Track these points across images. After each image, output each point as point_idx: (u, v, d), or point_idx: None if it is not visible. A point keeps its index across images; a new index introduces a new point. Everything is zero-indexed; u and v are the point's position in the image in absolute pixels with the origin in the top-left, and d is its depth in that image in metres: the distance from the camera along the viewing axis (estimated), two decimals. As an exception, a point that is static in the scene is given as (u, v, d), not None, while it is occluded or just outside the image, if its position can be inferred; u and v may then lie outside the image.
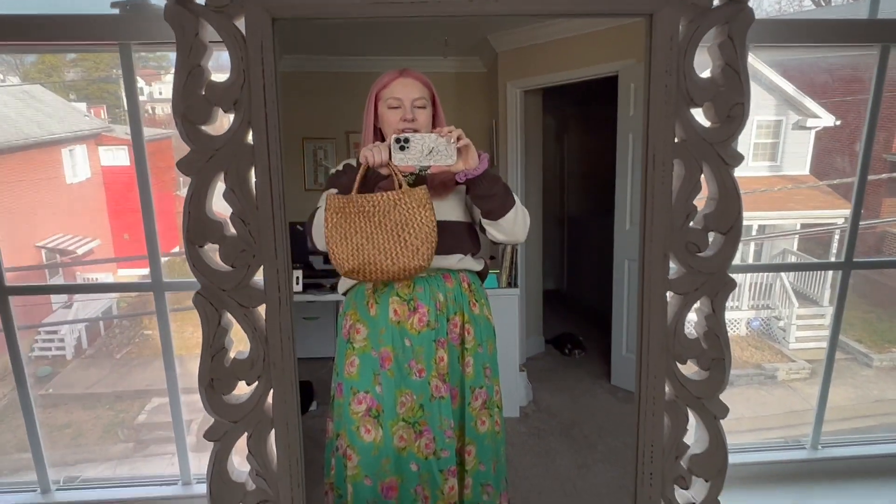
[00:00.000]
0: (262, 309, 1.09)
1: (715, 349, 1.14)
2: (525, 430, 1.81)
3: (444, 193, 1.26)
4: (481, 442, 1.32)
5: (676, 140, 1.08)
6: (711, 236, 1.13)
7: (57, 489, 1.51)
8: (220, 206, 1.09)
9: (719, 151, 1.08)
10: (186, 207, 1.04)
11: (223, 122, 1.07)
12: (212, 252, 1.09)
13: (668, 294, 1.13)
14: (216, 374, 1.09)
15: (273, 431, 1.12)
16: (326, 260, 1.18)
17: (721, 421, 1.18)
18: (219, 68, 1.06)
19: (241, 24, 1.01)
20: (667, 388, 1.16)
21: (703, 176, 1.10)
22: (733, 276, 1.14)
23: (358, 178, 1.16)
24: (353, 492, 1.26)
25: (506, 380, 1.72)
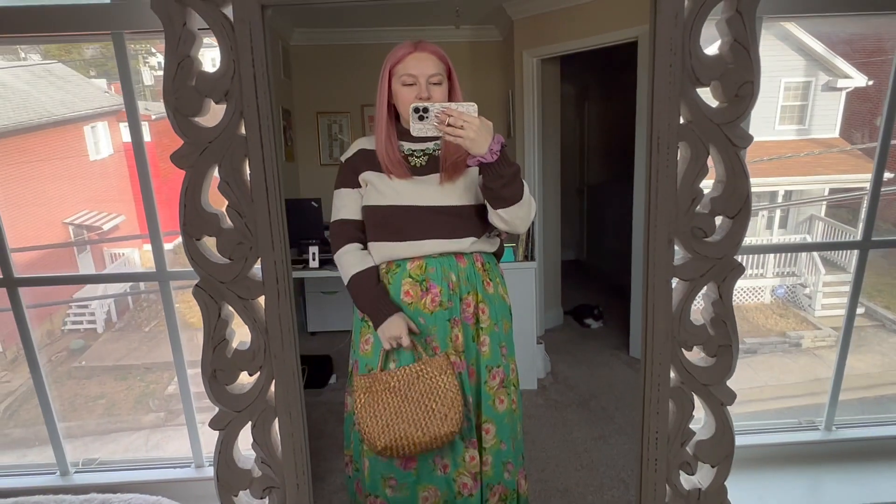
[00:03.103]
0: (262, 300, 1.10)
1: (722, 336, 1.12)
2: (542, 402, 1.84)
3: (455, 177, 1.24)
4: (500, 421, 1.33)
5: (682, 121, 1.04)
6: (719, 220, 1.09)
7: (75, 472, 1.57)
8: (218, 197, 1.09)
9: (727, 133, 1.04)
10: (182, 200, 1.03)
11: (216, 112, 1.05)
12: (210, 244, 1.09)
13: (674, 280, 1.11)
14: (218, 364, 1.10)
15: (276, 420, 1.13)
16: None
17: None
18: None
19: (229, 11, 0.99)
20: (672, 375, 1.14)
21: (709, 158, 1.06)
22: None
23: (380, 362, 1.25)
24: (368, 465, 1.29)
25: (523, 352, 1.72)
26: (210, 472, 1.55)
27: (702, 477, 1.20)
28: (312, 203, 1.52)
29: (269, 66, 1.01)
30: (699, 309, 1.16)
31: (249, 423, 1.14)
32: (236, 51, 0.99)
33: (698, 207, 1.07)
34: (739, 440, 1.60)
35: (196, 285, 1.07)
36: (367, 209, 1.27)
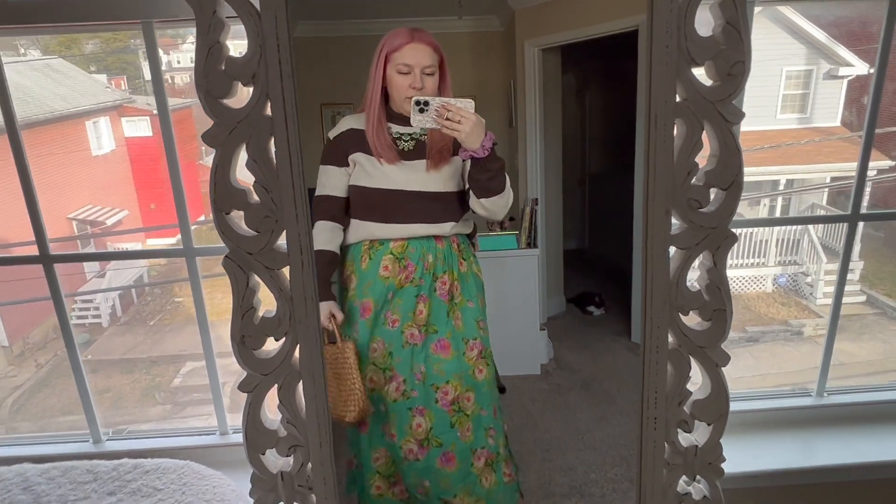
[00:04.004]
0: (286, 270, 1.17)
1: (716, 301, 1.19)
2: (546, 386, 1.88)
3: (441, 164, 1.35)
4: (480, 389, 1.44)
5: (678, 99, 1.11)
6: (713, 192, 1.17)
7: (107, 439, 1.65)
8: (244, 174, 1.17)
9: (720, 109, 1.11)
10: (212, 177, 1.11)
11: (243, 94, 1.13)
12: (237, 219, 1.16)
13: (671, 249, 1.18)
14: (247, 331, 1.18)
15: (301, 383, 1.21)
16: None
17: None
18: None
19: (255, 1, 1.06)
20: (670, 338, 1.22)
21: (704, 134, 1.13)
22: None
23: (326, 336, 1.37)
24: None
25: (526, 339, 1.78)
26: (234, 438, 1.64)
27: (698, 435, 1.28)
28: (317, 192, 1.57)
29: (292, 52, 1.08)
30: (695, 276, 1.23)
31: (276, 385, 1.21)
32: (262, 37, 1.06)
33: (693, 180, 1.15)
34: (735, 406, 1.68)
35: (226, 256, 1.15)
36: (354, 189, 1.36)
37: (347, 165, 1.36)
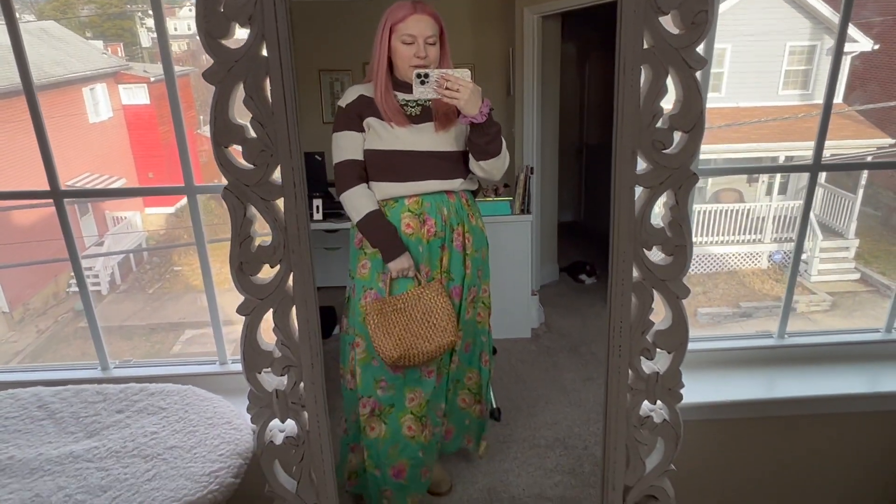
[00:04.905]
0: (280, 203, 1.27)
1: (678, 237, 1.29)
2: (535, 348, 1.95)
3: (447, 126, 1.44)
4: (464, 327, 1.56)
5: (645, 46, 1.20)
6: (677, 136, 1.25)
7: (114, 367, 1.77)
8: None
9: (684, 56, 1.19)
10: (212, 113, 1.20)
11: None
12: (236, 154, 1.25)
13: (637, 188, 1.28)
14: (244, 258, 1.27)
15: (294, 308, 1.31)
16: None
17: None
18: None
19: (252, -55, 1.14)
20: (635, 272, 1.32)
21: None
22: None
23: (387, 288, 1.46)
24: (360, 372, 1.51)
25: (518, 303, 1.86)
26: (233, 367, 1.75)
27: (660, 363, 1.38)
28: (316, 157, 1.57)
29: (287, -6, 1.16)
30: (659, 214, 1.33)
31: (270, 310, 1.32)
32: (258, -20, 1.14)
33: (658, 123, 1.23)
34: (700, 345, 1.79)
35: (225, 188, 1.24)
36: (369, 152, 1.45)
37: (363, 130, 1.43)
